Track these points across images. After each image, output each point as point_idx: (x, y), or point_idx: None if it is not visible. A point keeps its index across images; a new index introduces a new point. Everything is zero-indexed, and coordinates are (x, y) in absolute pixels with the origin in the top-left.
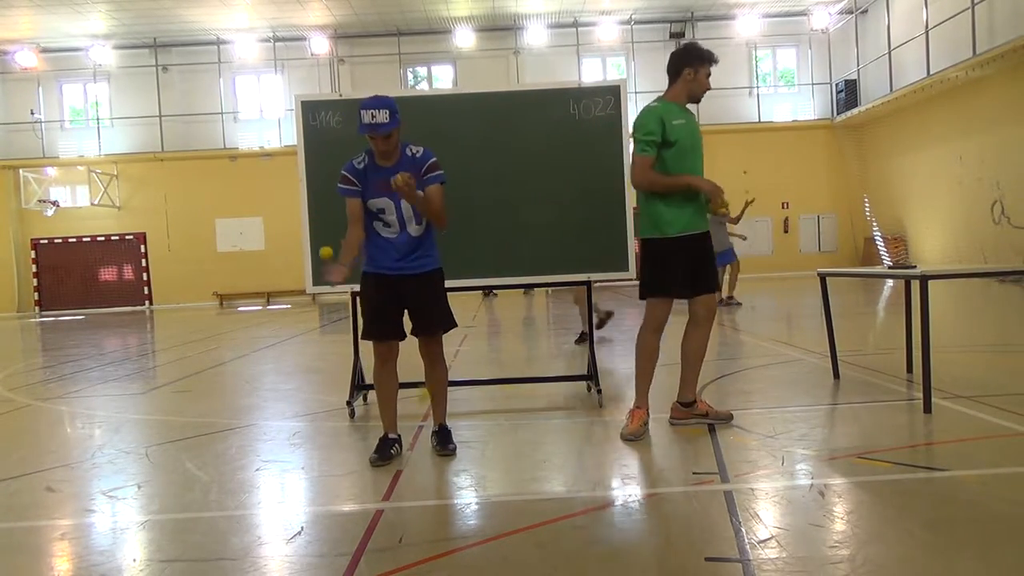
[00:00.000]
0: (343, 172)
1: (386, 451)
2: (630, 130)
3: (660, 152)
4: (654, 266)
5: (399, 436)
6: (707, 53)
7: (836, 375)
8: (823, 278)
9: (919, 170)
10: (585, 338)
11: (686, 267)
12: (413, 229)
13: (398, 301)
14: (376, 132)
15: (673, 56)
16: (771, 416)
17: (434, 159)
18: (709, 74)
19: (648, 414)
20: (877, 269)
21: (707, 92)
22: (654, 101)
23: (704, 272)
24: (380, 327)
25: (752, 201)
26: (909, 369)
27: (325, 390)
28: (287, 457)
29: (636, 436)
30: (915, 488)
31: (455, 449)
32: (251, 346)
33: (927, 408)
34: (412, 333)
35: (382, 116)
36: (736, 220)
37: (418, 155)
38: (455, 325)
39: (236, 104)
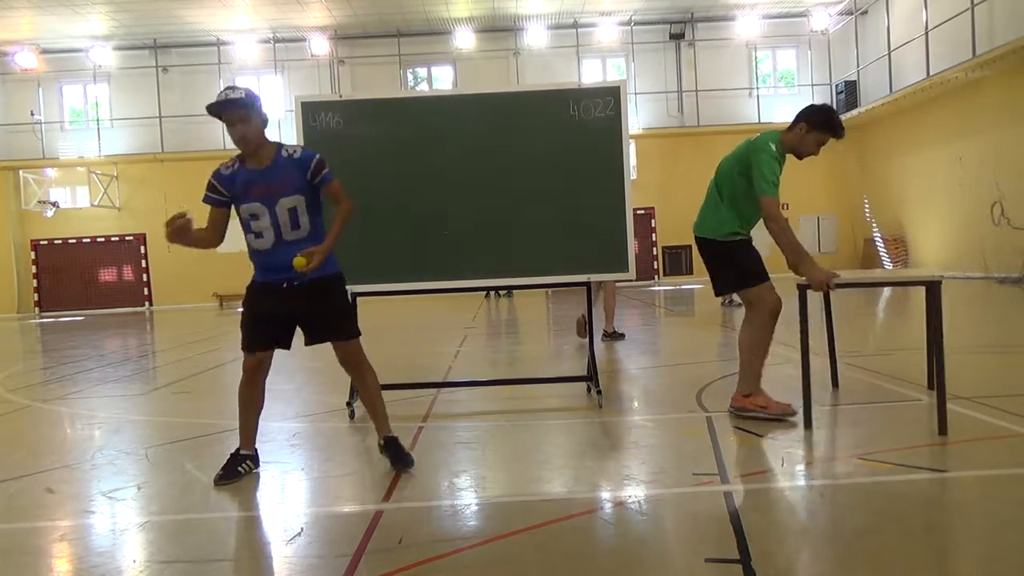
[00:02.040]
0: (210, 180)
1: (234, 468)
2: (630, 131)
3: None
4: (745, 259)
5: (254, 453)
6: (834, 124)
7: (835, 384)
8: (803, 288)
9: (919, 171)
10: (611, 336)
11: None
12: (290, 235)
13: (284, 311)
14: (225, 108)
15: (808, 107)
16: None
17: (318, 157)
18: (823, 143)
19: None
20: (861, 276)
21: (810, 156)
22: (773, 140)
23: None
24: (260, 336)
25: None
26: (931, 385)
27: (325, 391)
28: (287, 458)
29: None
30: (916, 489)
31: (413, 460)
32: None
33: (942, 430)
34: (309, 343)
35: (236, 94)
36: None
37: (296, 155)
38: (359, 333)
39: None
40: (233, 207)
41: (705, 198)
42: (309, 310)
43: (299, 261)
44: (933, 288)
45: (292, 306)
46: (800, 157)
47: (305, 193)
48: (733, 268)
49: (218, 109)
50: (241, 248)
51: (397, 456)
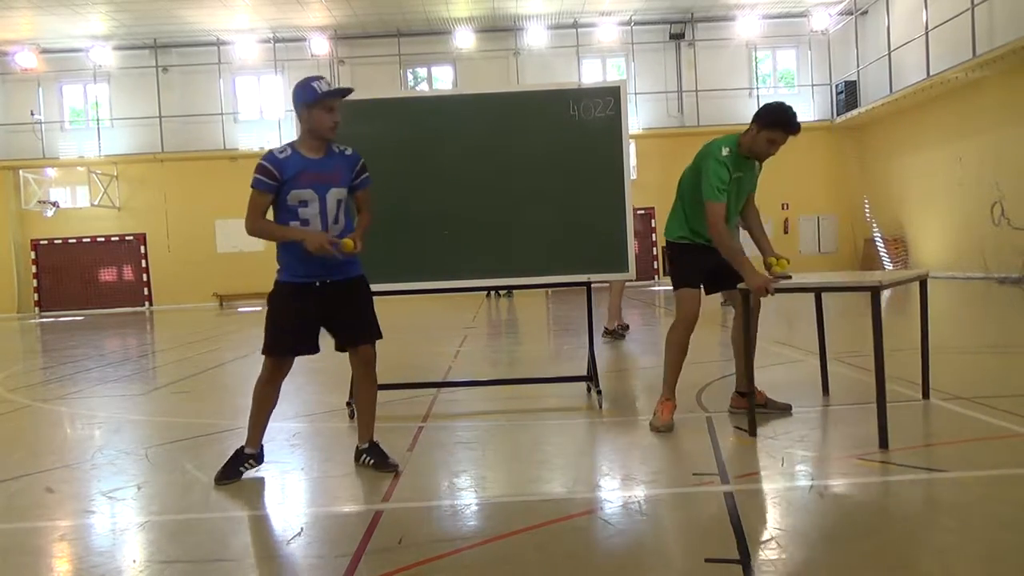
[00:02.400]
0: (263, 163)
1: (235, 467)
2: (630, 131)
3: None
4: (682, 262)
5: (260, 451)
6: (782, 120)
7: (825, 391)
8: (745, 293)
9: (919, 171)
10: (611, 334)
11: (707, 266)
12: (333, 228)
13: (320, 313)
14: (345, 95)
15: (761, 106)
16: (771, 417)
17: (363, 159)
18: (774, 141)
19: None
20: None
21: (769, 156)
22: (727, 144)
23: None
24: (293, 340)
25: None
26: (926, 395)
27: (325, 390)
28: (287, 458)
29: (667, 428)
30: (915, 489)
31: (396, 462)
32: (251, 347)
33: (883, 443)
34: (341, 346)
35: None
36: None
37: (347, 152)
38: (381, 336)
39: (236, 105)
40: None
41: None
42: (340, 311)
43: (348, 243)
44: (875, 294)
45: (322, 308)
46: (759, 159)
47: (348, 190)
48: (673, 268)
49: (342, 95)
50: (242, 248)
51: (383, 459)
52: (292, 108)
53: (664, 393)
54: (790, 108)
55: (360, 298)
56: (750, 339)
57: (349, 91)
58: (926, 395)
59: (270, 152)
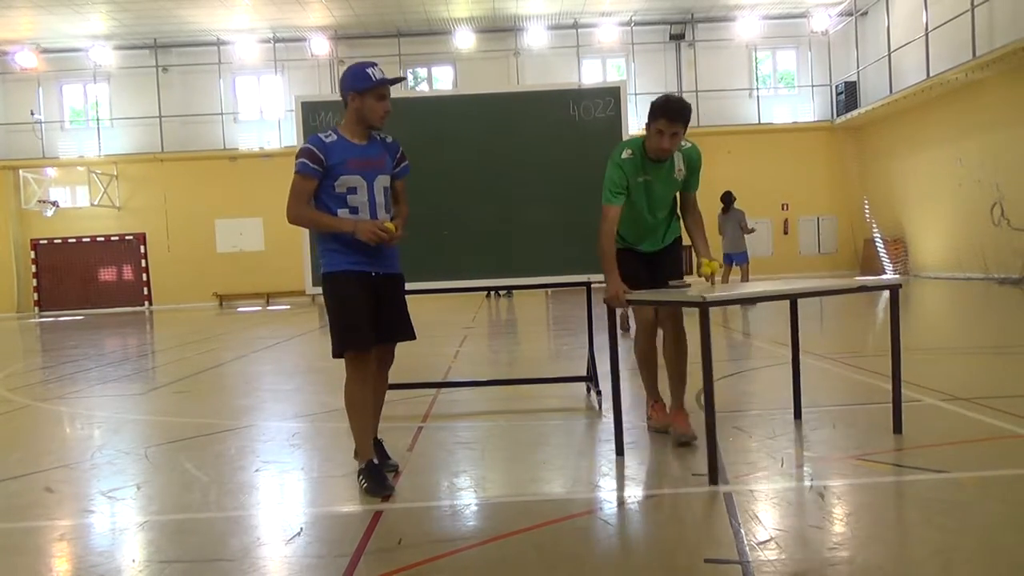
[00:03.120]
0: (309, 147)
1: (385, 479)
2: (630, 131)
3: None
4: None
5: (379, 454)
6: (654, 108)
7: (798, 415)
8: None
9: (919, 172)
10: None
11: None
12: (381, 216)
13: (376, 305)
14: (397, 82)
15: None
16: (771, 417)
17: (402, 147)
18: (661, 131)
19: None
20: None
21: (664, 150)
22: (629, 146)
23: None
24: (370, 330)
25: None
26: (897, 430)
27: (325, 391)
28: (286, 458)
29: (666, 427)
30: (915, 490)
31: (396, 463)
32: (251, 347)
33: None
34: (384, 342)
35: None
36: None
37: (388, 140)
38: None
39: (236, 105)
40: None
41: None
42: (387, 306)
43: (392, 226)
44: (793, 303)
45: (380, 297)
46: (661, 157)
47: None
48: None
49: (394, 83)
50: (242, 248)
51: (384, 455)
52: (293, 109)
53: (649, 398)
54: (667, 95)
55: (403, 294)
56: (676, 356)
57: (403, 79)
58: (797, 415)
59: (315, 136)
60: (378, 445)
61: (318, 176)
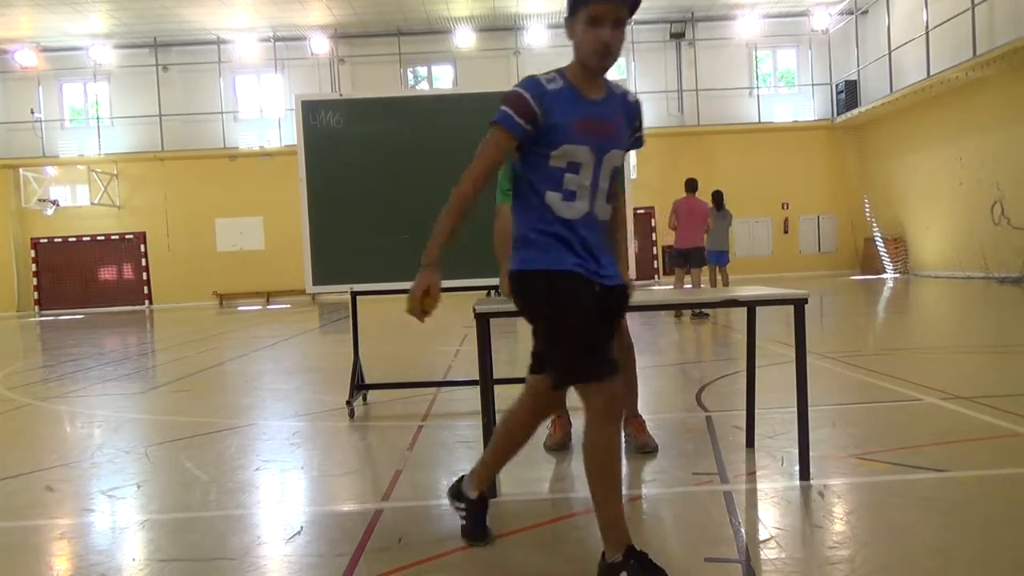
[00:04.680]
0: (520, 92)
1: (482, 524)
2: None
3: None
4: None
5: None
6: None
7: (750, 444)
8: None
9: (919, 171)
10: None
11: None
12: (602, 210)
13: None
14: (631, 4)
15: None
16: (770, 416)
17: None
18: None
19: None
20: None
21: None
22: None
23: None
24: (605, 351)
25: None
26: (749, 443)
27: (325, 390)
28: (287, 457)
29: (560, 446)
30: (915, 489)
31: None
32: (251, 346)
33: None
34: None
35: None
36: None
37: (629, 98)
38: None
39: (236, 104)
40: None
41: None
42: (613, 324)
43: (431, 304)
44: (748, 308)
45: (605, 313)
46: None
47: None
48: None
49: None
50: (241, 247)
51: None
52: (293, 107)
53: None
54: None
55: (622, 313)
56: (625, 363)
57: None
58: (750, 443)
59: (532, 79)
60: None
61: (523, 137)
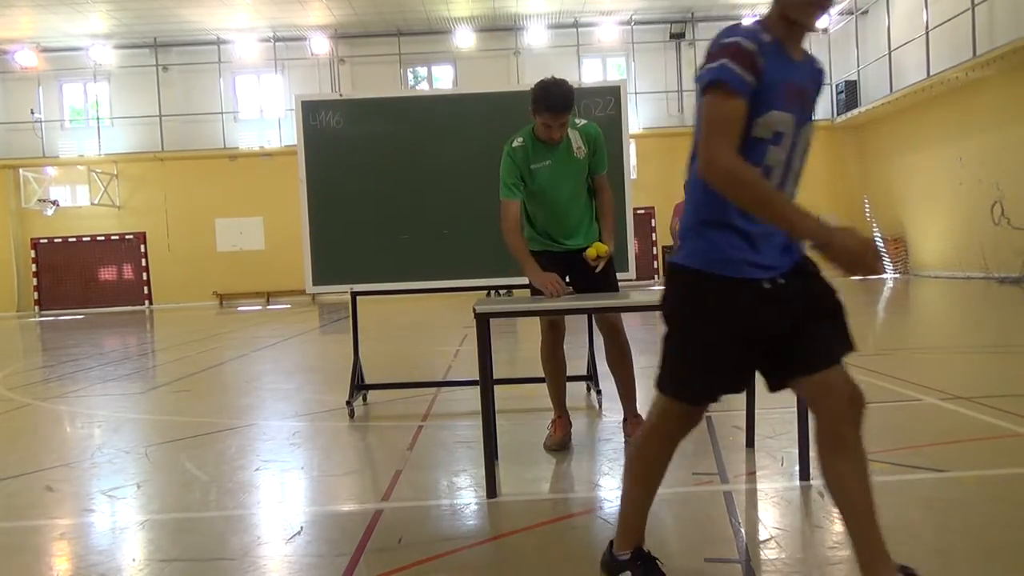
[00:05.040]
0: (738, 42)
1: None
2: (630, 131)
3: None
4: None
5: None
6: (537, 100)
7: (750, 444)
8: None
9: (919, 171)
10: None
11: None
12: (792, 186)
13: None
14: None
15: None
16: (770, 417)
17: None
18: (547, 125)
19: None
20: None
21: (553, 140)
22: (522, 135)
23: (594, 286)
24: (717, 381)
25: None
26: (750, 443)
27: (325, 390)
28: (287, 457)
29: (560, 447)
30: (914, 489)
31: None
32: (251, 346)
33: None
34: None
35: None
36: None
37: (818, 66)
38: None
39: (236, 104)
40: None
41: None
42: (809, 318)
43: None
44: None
45: (785, 316)
46: (550, 142)
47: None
48: None
49: None
50: (241, 248)
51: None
52: (293, 108)
53: (554, 411)
54: (548, 85)
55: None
56: (621, 363)
57: None
58: (750, 443)
59: (739, 27)
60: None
61: (745, 96)
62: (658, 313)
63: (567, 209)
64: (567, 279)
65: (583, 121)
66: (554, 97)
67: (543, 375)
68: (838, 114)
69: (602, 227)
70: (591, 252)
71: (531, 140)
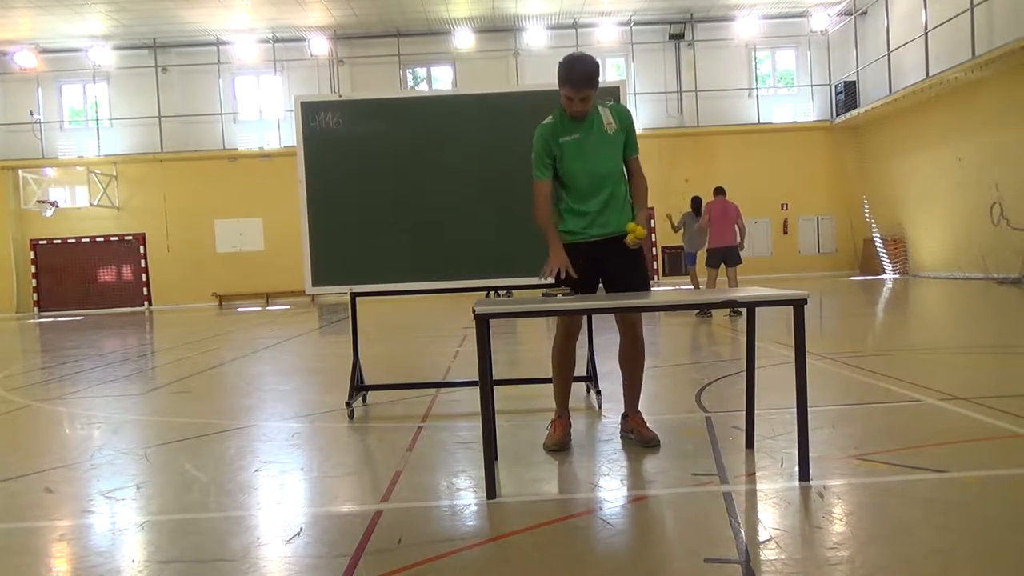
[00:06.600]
0: None
1: None
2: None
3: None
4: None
5: None
6: (561, 75)
7: (750, 444)
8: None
9: (918, 171)
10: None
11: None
12: None
13: None
14: None
15: None
16: (770, 417)
17: None
18: (569, 98)
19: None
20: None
21: (577, 113)
22: (552, 114)
23: (625, 281)
24: None
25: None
26: (750, 444)
27: (324, 391)
28: (286, 458)
29: (560, 447)
30: (914, 489)
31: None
32: (250, 347)
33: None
34: None
35: None
36: (675, 229)
37: None
38: None
39: (235, 105)
40: None
41: None
42: None
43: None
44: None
45: None
46: (577, 118)
47: None
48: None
49: None
50: (240, 249)
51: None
52: (293, 109)
53: (556, 410)
54: (572, 60)
55: None
56: (636, 361)
57: None
58: (749, 444)
59: None
60: None
61: None
62: (658, 314)
63: (600, 185)
64: (599, 272)
65: (612, 101)
66: (576, 72)
67: (543, 376)
68: (837, 115)
69: (636, 211)
70: (631, 238)
71: (561, 116)
